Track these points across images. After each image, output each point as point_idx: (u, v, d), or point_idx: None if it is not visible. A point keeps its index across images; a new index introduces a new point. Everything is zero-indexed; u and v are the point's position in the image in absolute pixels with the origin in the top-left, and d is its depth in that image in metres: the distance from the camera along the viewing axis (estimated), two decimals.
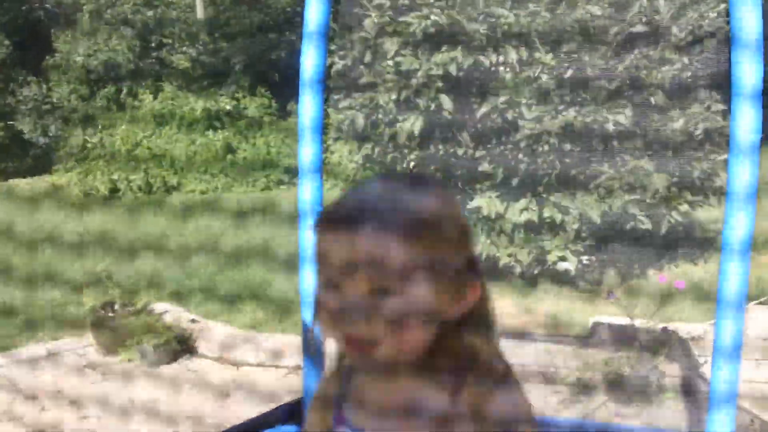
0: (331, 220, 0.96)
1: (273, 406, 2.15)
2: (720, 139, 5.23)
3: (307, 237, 1.97)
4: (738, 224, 1.52)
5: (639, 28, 5.22)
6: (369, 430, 1.02)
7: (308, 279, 2.00)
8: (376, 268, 0.90)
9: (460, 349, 0.99)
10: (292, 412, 2.10)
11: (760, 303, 4.65)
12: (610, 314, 4.62)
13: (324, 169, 1.99)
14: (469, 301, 0.99)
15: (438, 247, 0.94)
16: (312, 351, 2.08)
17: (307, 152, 1.94)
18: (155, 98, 10.28)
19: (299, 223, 1.99)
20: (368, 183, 1.04)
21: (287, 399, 2.20)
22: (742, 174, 1.51)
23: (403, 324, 0.92)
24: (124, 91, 10.42)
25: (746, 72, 1.48)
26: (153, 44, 10.81)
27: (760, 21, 1.47)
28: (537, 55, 5.23)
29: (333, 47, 5.96)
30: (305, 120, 1.91)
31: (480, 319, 1.01)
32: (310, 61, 1.88)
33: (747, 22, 1.48)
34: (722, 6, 5.26)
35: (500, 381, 1.00)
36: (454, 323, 0.99)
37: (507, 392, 1.01)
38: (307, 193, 1.96)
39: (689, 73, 5.32)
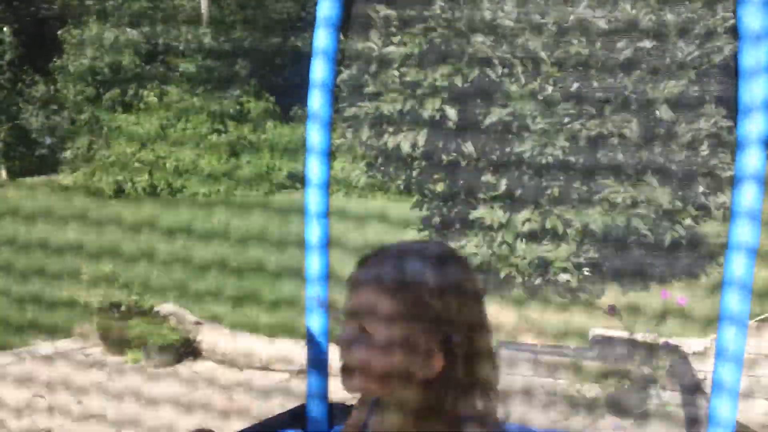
0: (353, 273, 1.17)
1: (277, 411, 2.17)
2: (724, 154, 5.25)
3: (313, 233, 1.98)
4: (742, 240, 1.54)
5: (646, 43, 5.24)
6: None
7: (313, 289, 2.02)
8: (360, 312, 1.12)
9: (441, 409, 1.11)
10: (296, 417, 2.11)
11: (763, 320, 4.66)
12: (610, 327, 4.64)
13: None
14: (434, 369, 1.09)
15: (413, 309, 1.09)
16: (316, 356, 2.09)
17: (314, 170, 1.95)
18: (160, 101, 10.30)
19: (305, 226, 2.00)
20: (399, 246, 1.18)
21: (291, 404, 2.22)
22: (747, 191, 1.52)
23: (370, 361, 1.11)
24: (130, 93, 10.42)
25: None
26: (159, 48, 10.83)
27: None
28: (543, 67, 5.25)
29: (338, 56, 5.97)
30: (313, 142, 1.92)
31: (457, 385, 1.10)
32: (319, 74, 1.88)
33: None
34: (731, 22, 5.28)
35: None
36: (438, 386, 1.11)
37: None
38: (314, 203, 1.97)
39: (695, 88, 5.33)
